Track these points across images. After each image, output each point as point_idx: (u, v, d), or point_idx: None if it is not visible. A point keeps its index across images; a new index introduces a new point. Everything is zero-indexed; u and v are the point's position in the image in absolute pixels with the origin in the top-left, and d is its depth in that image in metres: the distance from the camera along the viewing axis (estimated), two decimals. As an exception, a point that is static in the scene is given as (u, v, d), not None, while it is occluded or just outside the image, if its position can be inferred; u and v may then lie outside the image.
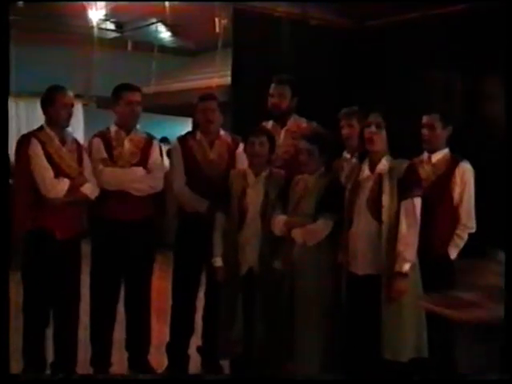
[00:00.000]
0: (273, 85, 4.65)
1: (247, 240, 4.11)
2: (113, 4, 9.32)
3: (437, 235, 4.09)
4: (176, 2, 8.67)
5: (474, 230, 4.22)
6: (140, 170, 4.41)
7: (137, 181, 4.37)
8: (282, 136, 4.61)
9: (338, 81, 6.48)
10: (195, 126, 4.89)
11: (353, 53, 6.76)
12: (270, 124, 4.67)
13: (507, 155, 3.47)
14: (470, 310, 2.15)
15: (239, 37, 7.01)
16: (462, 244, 4.19)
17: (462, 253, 4.22)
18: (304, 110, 4.77)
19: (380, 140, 3.70)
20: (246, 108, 6.32)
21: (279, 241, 4.01)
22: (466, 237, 4.19)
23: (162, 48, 10.57)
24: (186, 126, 8.96)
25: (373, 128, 3.69)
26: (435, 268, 3.93)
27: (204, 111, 4.52)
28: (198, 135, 4.58)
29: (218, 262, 4.18)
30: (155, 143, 4.58)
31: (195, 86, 8.91)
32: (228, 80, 7.31)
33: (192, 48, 11.15)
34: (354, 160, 4.12)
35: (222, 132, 4.64)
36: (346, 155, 4.41)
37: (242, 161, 4.40)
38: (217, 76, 8.24)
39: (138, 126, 4.55)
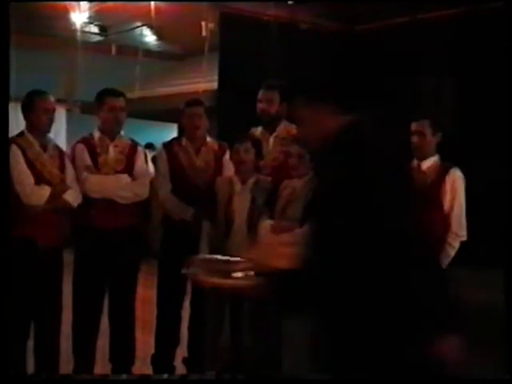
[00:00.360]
0: (261, 90, 4.67)
1: (234, 248, 4.13)
2: (97, 6, 9.33)
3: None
4: (161, 5, 8.69)
5: (465, 239, 4.26)
6: (125, 178, 4.44)
7: (122, 188, 4.40)
8: (271, 143, 4.64)
9: (329, 85, 6.52)
10: (181, 131, 4.91)
11: (343, 57, 6.81)
12: (258, 130, 4.70)
13: (508, 161, 3.50)
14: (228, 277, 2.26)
15: (226, 41, 7.06)
16: (453, 253, 4.21)
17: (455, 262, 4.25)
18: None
19: None
20: (233, 113, 6.36)
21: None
22: (457, 245, 4.22)
23: (147, 52, 10.58)
24: (171, 132, 8.98)
25: None
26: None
27: (190, 117, 4.55)
28: (184, 141, 4.61)
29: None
30: (140, 150, 4.61)
31: (181, 91, 8.96)
32: (215, 85, 7.35)
33: (178, 52, 11.18)
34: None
35: (208, 138, 4.67)
36: None
37: (229, 168, 4.43)
38: (203, 81, 8.28)
39: (122, 132, 4.57)
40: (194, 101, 4.68)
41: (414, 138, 4.31)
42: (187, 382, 3.91)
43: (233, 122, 6.15)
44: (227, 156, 4.49)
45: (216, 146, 4.66)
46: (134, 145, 4.59)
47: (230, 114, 6.65)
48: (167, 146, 4.67)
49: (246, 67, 6.63)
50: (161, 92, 9.94)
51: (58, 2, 9.15)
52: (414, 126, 4.33)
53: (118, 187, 4.38)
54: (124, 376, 3.99)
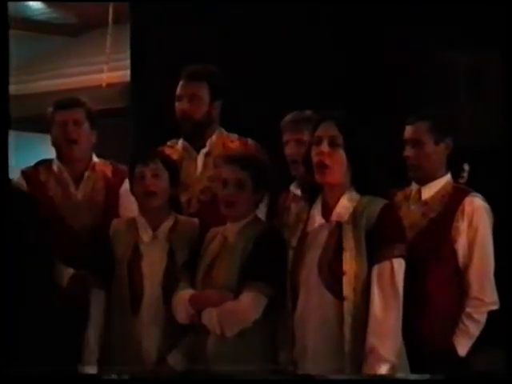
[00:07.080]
0: (181, 82, 4.75)
1: (144, 330, 4.19)
2: None
3: (433, 318, 4.15)
4: None
5: (497, 307, 4.23)
6: None
7: None
8: (199, 164, 4.75)
9: (290, 72, 6.51)
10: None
11: (315, 28, 6.86)
12: (179, 144, 4.79)
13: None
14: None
15: (141, 5, 7.08)
16: (476, 330, 4.19)
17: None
18: (234, 121, 4.91)
19: (337, 165, 3.69)
20: (153, 118, 6.38)
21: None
22: (483, 318, 4.19)
23: (23, 23, 10.61)
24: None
25: (324, 146, 3.67)
26: (437, 369, 3.95)
27: (62, 125, 4.62)
28: (56, 165, 4.69)
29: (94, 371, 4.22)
30: None
31: (74, 85, 8.96)
32: (126, 74, 7.38)
33: (69, 22, 11.18)
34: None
35: (95, 159, 4.75)
36: (295, 191, 4.53)
37: (130, 204, 4.47)
38: (107, 68, 8.32)
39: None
40: (67, 101, 4.77)
41: (409, 150, 4.28)
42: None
43: (151, 131, 6.18)
44: (127, 185, 4.48)
45: (109, 171, 4.74)
46: None
47: (148, 118, 6.67)
48: (29, 172, 4.74)
49: (172, 46, 6.65)
50: (44, 87, 9.92)
51: None
52: (407, 132, 4.30)
53: None
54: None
